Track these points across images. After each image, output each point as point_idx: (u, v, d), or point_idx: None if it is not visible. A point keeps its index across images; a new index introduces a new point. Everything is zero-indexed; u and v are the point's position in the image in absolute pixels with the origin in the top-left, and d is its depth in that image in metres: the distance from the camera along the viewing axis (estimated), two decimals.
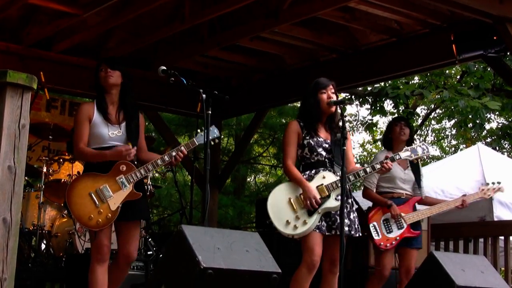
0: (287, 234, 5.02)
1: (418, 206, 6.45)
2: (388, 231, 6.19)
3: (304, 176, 5.15)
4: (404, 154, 5.45)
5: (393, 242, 6.19)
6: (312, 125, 5.24)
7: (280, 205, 5.07)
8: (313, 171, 5.17)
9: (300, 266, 5.06)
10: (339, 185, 5.01)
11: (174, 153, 4.96)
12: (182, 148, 5.00)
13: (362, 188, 6.52)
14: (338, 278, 5.03)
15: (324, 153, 5.19)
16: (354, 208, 5.32)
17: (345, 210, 5.07)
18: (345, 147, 4.99)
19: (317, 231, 5.03)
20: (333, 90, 5.24)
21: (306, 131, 5.22)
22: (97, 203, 4.80)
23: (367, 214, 6.35)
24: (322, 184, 5.10)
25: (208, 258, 3.64)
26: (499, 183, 6.53)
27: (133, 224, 4.98)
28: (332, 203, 5.05)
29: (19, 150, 3.38)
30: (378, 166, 5.28)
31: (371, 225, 6.21)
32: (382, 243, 6.18)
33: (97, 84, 5.08)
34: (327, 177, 5.13)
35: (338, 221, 5.01)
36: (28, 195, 7.39)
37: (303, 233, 5.00)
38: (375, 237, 6.19)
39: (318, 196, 5.04)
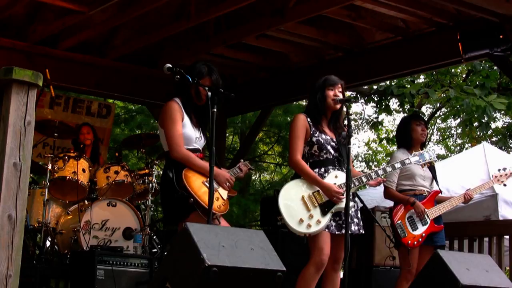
0: (299, 233, 4.94)
1: None
2: (413, 228, 6.09)
3: None
4: (414, 159, 5.57)
5: (420, 239, 6.08)
6: (318, 121, 5.22)
7: (293, 203, 4.98)
8: (322, 169, 5.13)
9: (308, 264, 5.02)
10: (351, 185, 4.99)
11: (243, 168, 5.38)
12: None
13: (383, 188, 6.41)
14: (343, 277, 5.01)
15: (332, 152, 5.17)
16: (359, 207, 5.33)
17: (354, 208, 5.12)
18: (350, 145, 4.98)
19: (326, 230, 5.00)
20: (340, 89, 5.23)
21: (314, 127, 5.19)
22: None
23: (390, 213, 6.27)
24: (335, 184, 5.06)
25: (213, 255, 3.63)
26: (505, 169, 6.42)
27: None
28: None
29: (24, 147, 3.38)
30: (398, 165, 5.43)
31: (396, 224, 6.09)
32: (409, 241, 6.05)
33: (187, 90, 5.04)
34: (339, 177, 5.10)
35: (349, 220, 4.99)
36: (33, 192, 7.39)
37: (316, 232, 4.95)
38: (402, 236, 6.07)
39: (340, 190, 5.00)
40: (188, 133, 4.98)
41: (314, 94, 5.26)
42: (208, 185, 4.80)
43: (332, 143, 5.19)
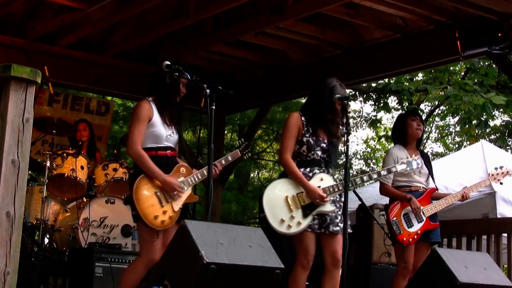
0: (279, 232, 4.98)
1: None
2: (409, 225, 6.08)
3: None
4: (400, 167, 5.61)
5: (415, 237, 6.06)
6: (314, 124, 5.20)
7: (276, 202, 5.01)
8: (308, 169, 5.13)
9: (295, 266, 5.07)
10: (336, 189, 5.04)
11: (230, 158, 5.27)
12: (229, 157, 5.26)
13: (379, 185, 6.39)
14: (341, 275, 5.02)
15: (320, 153, 5.17)
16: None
17: (337, 209, 5.13)
18: (349, 143, 4.97)
19: (309, 230, 5.03)
20: None
21: (307, 128, 5.18)
22: (163, 202, 4.84)
23: (386, 210, 6.27)
24: (319, 187, 5.07)
25: (211, 253, 3.64)
26: (501, 167, 6.43)
27: None
28: (328, 207, 5.05)
29: (23, 144, 3.38)
30: (384, 172, 5.64)
31: (392, 221, 6.08)
32: (405, 238, 6.04)
33: (165, 86, 5.04)
34: (325, 180, 5.12)
35: (328, 220, 5.04)
36: (32, 189, 7.39)
37: (296, 233, 5.01)
38: (398, 233, 6.06)
39: (323, 194, 5.01)
40: (158, 131, 4.95)
41: (317, 100, 5.23)
42: (160, 196, 4.82)
43: (322, 145, 5.18)
